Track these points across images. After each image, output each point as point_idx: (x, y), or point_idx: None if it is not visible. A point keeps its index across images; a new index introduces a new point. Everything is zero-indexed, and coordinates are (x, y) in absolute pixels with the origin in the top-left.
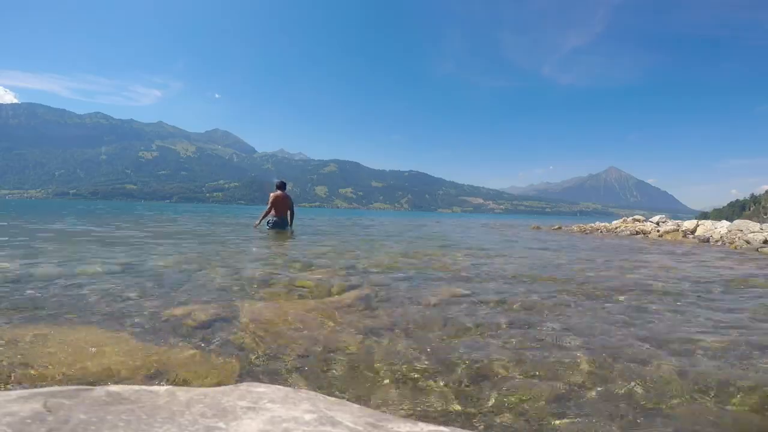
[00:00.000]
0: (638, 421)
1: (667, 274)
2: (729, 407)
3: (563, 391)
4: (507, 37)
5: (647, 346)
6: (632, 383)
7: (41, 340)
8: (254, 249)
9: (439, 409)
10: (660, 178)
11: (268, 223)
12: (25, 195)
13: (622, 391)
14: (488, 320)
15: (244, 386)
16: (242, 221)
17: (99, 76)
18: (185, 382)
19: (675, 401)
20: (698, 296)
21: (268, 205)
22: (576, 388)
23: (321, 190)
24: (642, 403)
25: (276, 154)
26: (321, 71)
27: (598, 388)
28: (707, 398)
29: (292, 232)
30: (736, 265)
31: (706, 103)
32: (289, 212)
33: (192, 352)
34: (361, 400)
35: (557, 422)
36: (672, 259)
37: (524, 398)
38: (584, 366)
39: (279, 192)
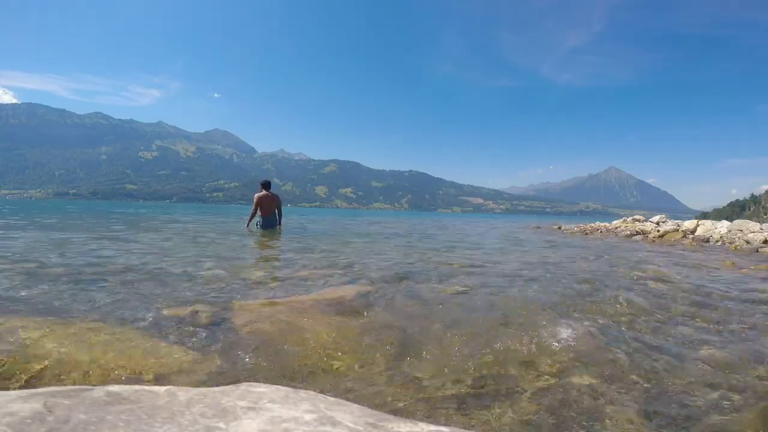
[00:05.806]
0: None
1: (665, 275)
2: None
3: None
4: (505, 37)
5: (644, 344)
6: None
7: None
8: (246, 250)
9: (439, 409)
10: (660, 178)
11: (257, 224)
12: (25, 195)
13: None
14: (487, 318)
15: (244, 386)
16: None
17: (98, 77)
18: (181, 383)
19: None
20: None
21: (253, 206)
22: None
23: (321, 190)
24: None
25: (276, 154)
26: (321, 71)
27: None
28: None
29: (280, 231)
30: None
31: (705, 103)
32: (276, 211)
33: (189, 352)
34: (361, 400)
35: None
36: (671, 258)
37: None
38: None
39: (264, 192)
